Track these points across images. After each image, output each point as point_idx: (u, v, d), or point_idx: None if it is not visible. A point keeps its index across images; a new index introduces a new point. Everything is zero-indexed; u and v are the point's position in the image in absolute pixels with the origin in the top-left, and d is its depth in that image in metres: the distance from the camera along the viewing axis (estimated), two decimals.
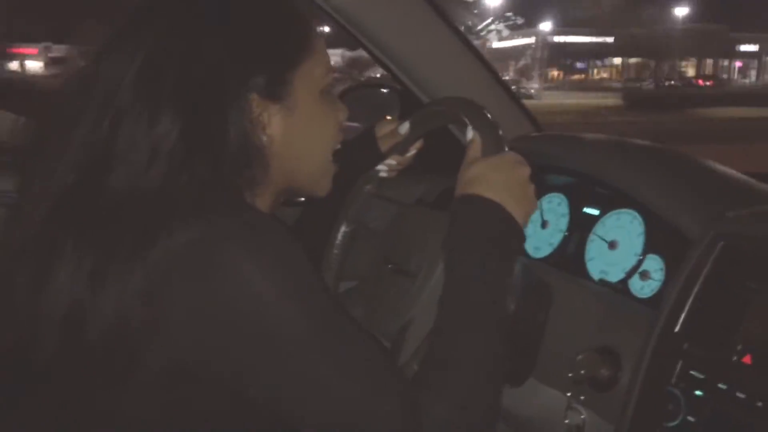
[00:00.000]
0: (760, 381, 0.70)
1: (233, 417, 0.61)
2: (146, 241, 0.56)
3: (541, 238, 1.18)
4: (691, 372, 0.76)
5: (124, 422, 0.61)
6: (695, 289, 0.80)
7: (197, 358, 0.57)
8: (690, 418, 0.74)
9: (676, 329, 0.79)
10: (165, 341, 0.57)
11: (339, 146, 0.79)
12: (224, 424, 0.62)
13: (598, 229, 1.08)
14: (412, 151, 1.00)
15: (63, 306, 0.58)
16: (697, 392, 0.75)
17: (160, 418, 0.60)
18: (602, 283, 1.04)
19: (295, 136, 0.69)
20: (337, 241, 1.00)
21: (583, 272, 1.07)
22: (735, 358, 0.73)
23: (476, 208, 0.71)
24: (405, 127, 0.96)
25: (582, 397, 0.91)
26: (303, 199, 1.06)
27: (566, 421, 0.90)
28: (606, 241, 1.06)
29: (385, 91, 1.60)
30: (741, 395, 0.71)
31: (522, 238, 0.73)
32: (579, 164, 1.10)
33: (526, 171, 0.74)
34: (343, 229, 1.00)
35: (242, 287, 0.56)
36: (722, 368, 0.73)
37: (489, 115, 0.79)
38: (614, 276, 1.03)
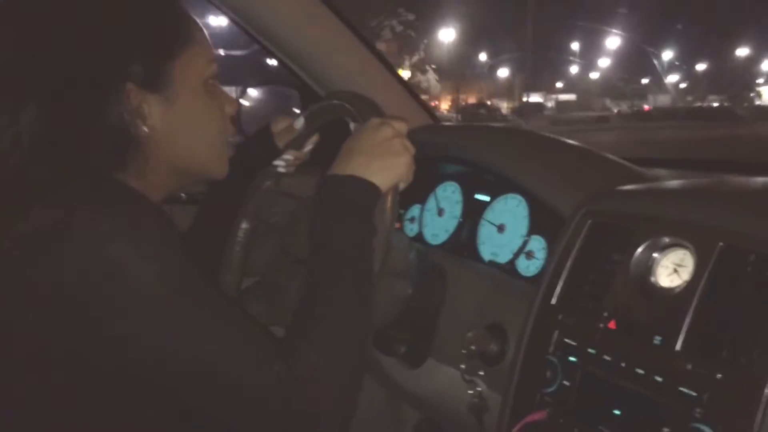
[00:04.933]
0: (623, 344, 0.77)
1: (112, 396, 0.61)
2: (2, 224, 0.56)
3: (438, 225, 1.24)
4: (566, 340, 0.83)
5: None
6: (568, 264, 0.87)
7: (66, 338, 0.57)
8: (565, 383, 0.81)
9: (553, 302, 0.86)
10: (30, 325, 0.57)
11: (232, 137, 0.79)
12: (104, 404, 0.62)
13: (488, 214, 1.14)
14: (309, 146, 1.02)
15: None
16: (571, 358, 0.81)
17: (37, 405, 0.60)
18: (492, 264, 1.10)
19: (179, 127, 0.70)
20: (238, 238, 1.01)
21: (476, 255, 1.13)
22: (602, 324, 0.80)
23: (331, 188, 0.74)
24: (300, 122, 0.98)
25: (481, 372, 0.97)
26: (201, 198, 1.06)
27: (469, 392, 0.96)
28: (495, 225, 1.12)
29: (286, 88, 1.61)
30: (607, 358, 0.78)
31: (375, 193, 0.74)
32: (468, 153, 1.15)
33: (387, 131, 0.77)
34: (243, 225, 1.01)
35: (104, 259, 0.56)
36: (591, 334, 0.80)
37: (370, 100, 0.82)
38: (503, 257, 1.09)
